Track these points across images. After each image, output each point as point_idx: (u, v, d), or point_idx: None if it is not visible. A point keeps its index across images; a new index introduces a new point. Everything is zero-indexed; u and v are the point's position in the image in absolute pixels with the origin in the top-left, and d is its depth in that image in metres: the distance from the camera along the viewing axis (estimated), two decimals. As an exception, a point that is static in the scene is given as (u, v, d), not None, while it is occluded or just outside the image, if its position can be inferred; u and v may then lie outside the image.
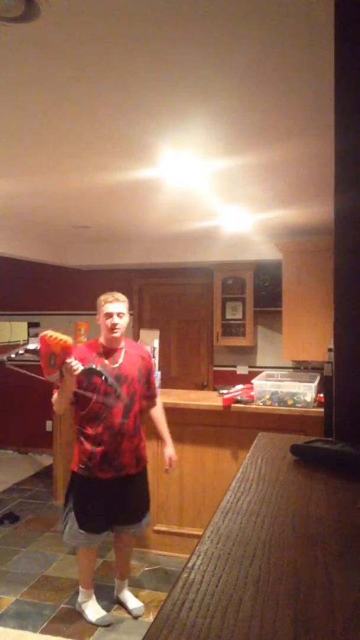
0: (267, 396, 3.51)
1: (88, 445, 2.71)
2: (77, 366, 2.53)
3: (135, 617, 2.92)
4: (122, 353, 2.80)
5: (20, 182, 3.07)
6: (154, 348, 3.88)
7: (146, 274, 6.05)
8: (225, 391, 3.81)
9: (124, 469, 2.75)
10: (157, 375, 3.62)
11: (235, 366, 5.80)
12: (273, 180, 3.01)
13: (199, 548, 0.53)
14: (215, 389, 4.54)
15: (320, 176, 2.79)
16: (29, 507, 4.57)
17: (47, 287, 6.31)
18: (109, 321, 2.73)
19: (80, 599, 2.95)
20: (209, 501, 3.51)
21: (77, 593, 2.99)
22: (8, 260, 5.12)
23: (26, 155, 2.56)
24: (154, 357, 3.74)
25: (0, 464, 5.94)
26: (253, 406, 3.51)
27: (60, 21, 1.36)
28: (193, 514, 3.59)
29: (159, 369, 3.91)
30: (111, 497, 2.76)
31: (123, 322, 2.76)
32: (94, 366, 2.65)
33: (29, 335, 5.75)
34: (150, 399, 3.00)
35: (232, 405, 3.53)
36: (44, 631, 2.78)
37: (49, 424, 5.84)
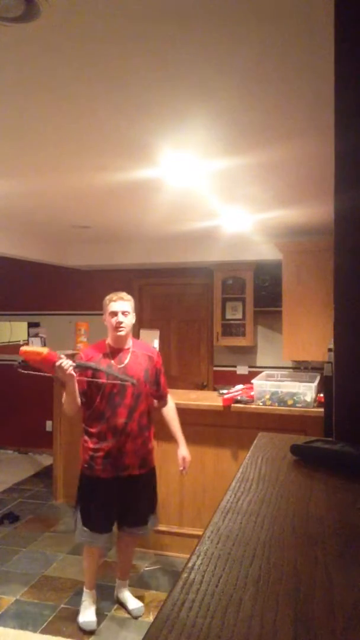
0: (267, 396, 3.51)
1: (91, 444, 2.72)
2: (67, 365, 2.53)
3: (135, 618, 2.92)
4: (129, 354, 2.79)
5: (20, 182, 3.07)
6: (154, 348, 3.87)
7: (146, 274, 6.04)
8: (225, 391, 3.81)
9: (127, 470, 2.74)
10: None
11: (235, 366, 5.80)
12: (273, 180, 3.01)
13: (199, 548, 0.53)
14: (215, 389, 4.54)
15: (320, 176, 2.79)
16: (29, 507, 4.57)
17: (47, 287, 6.30)
18: (113, 319, 2.73)
19: (82, 597, 2.96)
20: (209, 501, 3.51)
21: (77, 593, 2.99)
22: (8, 260, 5.12)
23: (26, 155, 2.56)
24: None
25: (0, 464, 5.94)
26: (253, 406, 3.51)
27: (60, 21, 1.36)
28: (193, 514, 3.59)
29: (159, 369, 3.90)
30: (113, 497, 2.75)
31: (128, 320, 2.76)
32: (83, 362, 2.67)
33: (28, 335, 5.75)
34: (161, 398, 2.97)
35: (232, 405, 3.53)
36: (44, 631, 2.78)
37: (49, 424, 5.84)
